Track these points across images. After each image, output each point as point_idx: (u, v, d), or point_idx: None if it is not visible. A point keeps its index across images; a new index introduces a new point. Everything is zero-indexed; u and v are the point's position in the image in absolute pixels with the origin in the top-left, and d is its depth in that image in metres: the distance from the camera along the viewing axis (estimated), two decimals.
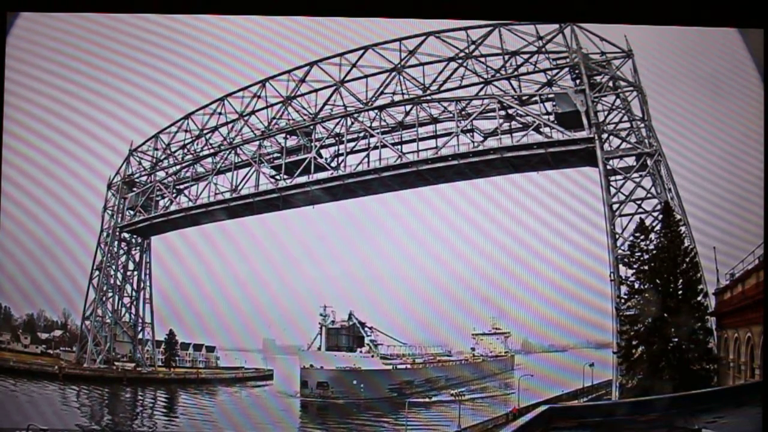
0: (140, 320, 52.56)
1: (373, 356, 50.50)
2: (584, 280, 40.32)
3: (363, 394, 48.22)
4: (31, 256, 40.95)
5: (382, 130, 47.20)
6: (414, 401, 46.44)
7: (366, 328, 51.21)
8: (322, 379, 49.41)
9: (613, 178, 41.63)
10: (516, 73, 44.87)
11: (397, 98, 46.85)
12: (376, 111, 47.30)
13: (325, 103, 48.04)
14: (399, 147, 46.78)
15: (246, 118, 50.15)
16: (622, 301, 38.80)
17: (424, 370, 52.89)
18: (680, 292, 37.19)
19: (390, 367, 51.07)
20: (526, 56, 44.49)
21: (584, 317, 40.41)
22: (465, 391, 47.81)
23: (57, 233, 42.49)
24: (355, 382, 48.70)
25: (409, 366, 52.22)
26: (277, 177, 48.84)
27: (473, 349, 54.81)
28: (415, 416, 44.54)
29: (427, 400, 48.57)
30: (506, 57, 44.54)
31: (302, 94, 48.46)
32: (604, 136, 42.32)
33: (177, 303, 47.11)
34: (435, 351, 54.41)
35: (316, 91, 48.14)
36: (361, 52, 46.12)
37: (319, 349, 50.55)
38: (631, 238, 39.42)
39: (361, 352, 50.69)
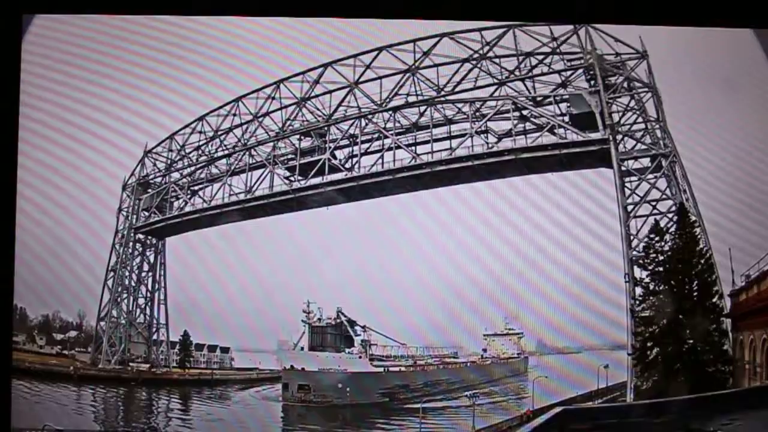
0: (155, 321, 52.82)
1: (361, 357, 48.54)
2: (599, 281, 40.18)
3: (349, 399, 46.28)
4: (46, 257, 41.21)
5: (397, 131, 47.17)
6: (426, 405, 45.86)
7: (357, 327, 49.16)
8: (303, 382, 47.47)
9: (627, 179, 41.50)
10: (530, 74, 44.74)
11: (411, 99, 46.87)
12: (390, 112, 47.30)
13: (339, 105, 48.17)
14: (413, 148, 46.83)
15: (260, 119, 50.31)
16: (637, 302, 38.68)
17: (421, 373, 50.91)
18: (695, 293, 37.08)
19: (381, 369, 49.18)
20: (540, 57, 44.38)
21: (599, 318, 40.26)
22: (478, 393, 46.51)
23: (72, 234, 42.81)
24: (340, 385, 46.78)
25: (404, 369, 50.26)
26: (292, 178, 49.01)
27: (484, 350, 53.88)
28: (428, 419, 44.27)
29: (440, 404, 47.86)
30: (520, 58, 44.40)
31: (316, 96, 48.58)
32: (619, 137, 42.18)
33: (191, 304, 47.42)
34: (440, 353, 52.88)
35: (330, 92, 48.24)
36: (376, 53, 46.16)
37: (302, 349, 48.91)
38: (646, 239, 39.37)
39: (350, 352, 48.78)
